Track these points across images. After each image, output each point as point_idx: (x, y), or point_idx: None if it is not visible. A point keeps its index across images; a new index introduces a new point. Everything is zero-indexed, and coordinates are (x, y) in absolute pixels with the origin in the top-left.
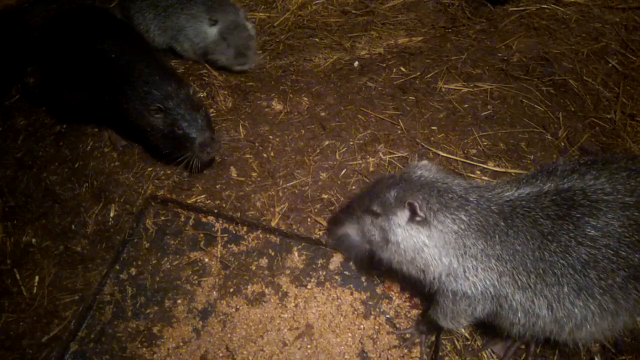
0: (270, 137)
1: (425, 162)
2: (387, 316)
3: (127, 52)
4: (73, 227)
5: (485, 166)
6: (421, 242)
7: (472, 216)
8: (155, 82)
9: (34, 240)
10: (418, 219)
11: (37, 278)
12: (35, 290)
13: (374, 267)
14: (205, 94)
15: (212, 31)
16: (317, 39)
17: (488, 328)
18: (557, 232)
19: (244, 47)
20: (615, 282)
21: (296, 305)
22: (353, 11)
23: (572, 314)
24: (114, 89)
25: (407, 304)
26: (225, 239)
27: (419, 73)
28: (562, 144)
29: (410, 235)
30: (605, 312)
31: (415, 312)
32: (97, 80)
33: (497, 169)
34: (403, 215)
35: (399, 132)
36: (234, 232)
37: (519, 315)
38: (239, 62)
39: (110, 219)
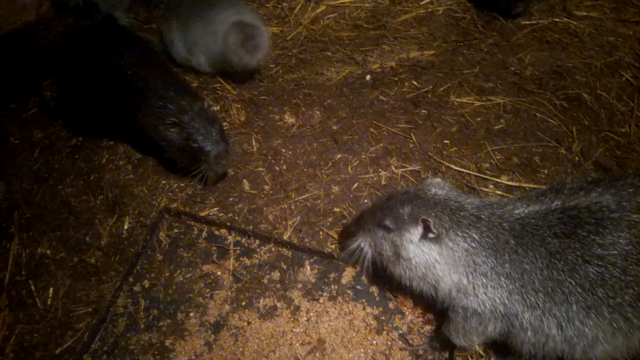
0: (283, 150)
1: (438, 179)
2: (400, 332)
3: (143, 68)
4: (87, 239)
5: (498, 180)
6: (433, 258)
7: (483, 234)
8: (171, 97)
9: (49, 251)
10: (431, 235)
11: (51, 289)
12: (49, 302)
13: (387, 281)
14: (218, 107)
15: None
16: (329, 53)
17: (502, 345)
18: (564, 251)
19: (254, 36)
20: (624, 300)
21: (308, 320)
22: (365, 25)
23: (583, 333)
24: (130, 104)
25: (420, 319)
26: (238, 252)
27: (431, 87)
28: (577, 158)
29: (422, 252)
30: (617, 331)
31: (428, 328)
32: (113, 95)
33: (510, 183)
34: (416, 232)
35: (411, 145)
36: (246, 245)
37: (529, 334)
38: (248, 50)
39: (124, 232)
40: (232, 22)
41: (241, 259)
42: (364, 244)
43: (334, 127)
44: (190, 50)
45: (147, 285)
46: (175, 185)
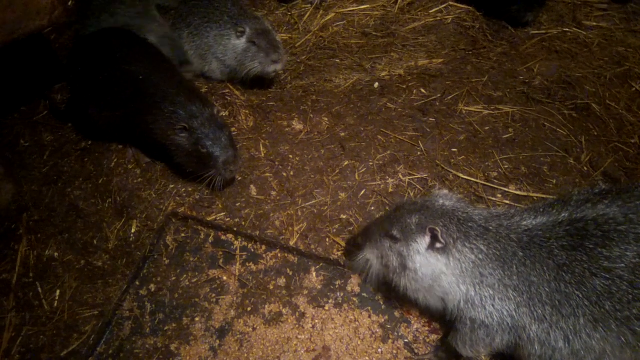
0: (290, 156)
1: (445, 191)
2: (406, 341)
3: (154, 74)
4: (95, 242)
5: (506, 189)
6: (439, 270)
7: (491, 245)
8: (181, 103)
9: (56, 254)
10: (438, 245)
11: (58, 292)
12: (56, 304)
13: (393, 290)
14: (227, 113)
15: (241, 42)
16: (337, 60)
17: (509, 356)
18: (571, 263)
19: (274, 46)
20: (632, 313)
21: (313, 327)
22: (374, 33)
23: (590, 347)
24: (140, 108)
25: (426, 328)
26: (244, 257)
27: (439, 95)
28: (585, 168)
29: (429, 263)
30: (625, 345)
31: (434, 337)
32: (124, 100)
33: (518, 192)
34: (423, 242)
35: (419, 153)
36: (252, 250)
37: (536, 346)
38: (273, 59)
39: (132, 235)
40: (255, 30)
41: (247, 264)
42: (370, 256)
43: (342, 134)
44: (203, 57)
45: (153, 289)
46: (183, 189)
